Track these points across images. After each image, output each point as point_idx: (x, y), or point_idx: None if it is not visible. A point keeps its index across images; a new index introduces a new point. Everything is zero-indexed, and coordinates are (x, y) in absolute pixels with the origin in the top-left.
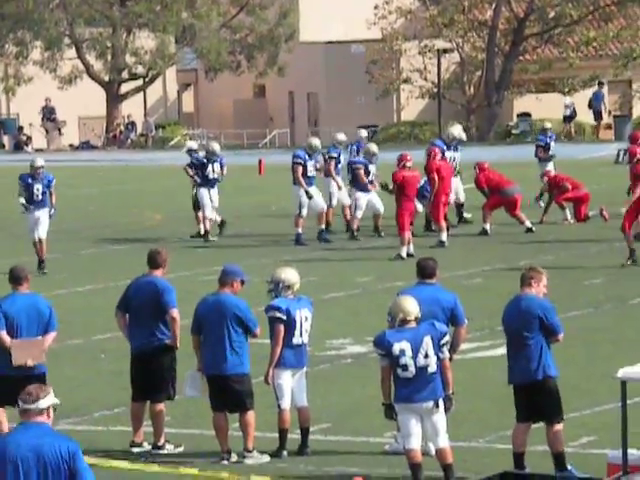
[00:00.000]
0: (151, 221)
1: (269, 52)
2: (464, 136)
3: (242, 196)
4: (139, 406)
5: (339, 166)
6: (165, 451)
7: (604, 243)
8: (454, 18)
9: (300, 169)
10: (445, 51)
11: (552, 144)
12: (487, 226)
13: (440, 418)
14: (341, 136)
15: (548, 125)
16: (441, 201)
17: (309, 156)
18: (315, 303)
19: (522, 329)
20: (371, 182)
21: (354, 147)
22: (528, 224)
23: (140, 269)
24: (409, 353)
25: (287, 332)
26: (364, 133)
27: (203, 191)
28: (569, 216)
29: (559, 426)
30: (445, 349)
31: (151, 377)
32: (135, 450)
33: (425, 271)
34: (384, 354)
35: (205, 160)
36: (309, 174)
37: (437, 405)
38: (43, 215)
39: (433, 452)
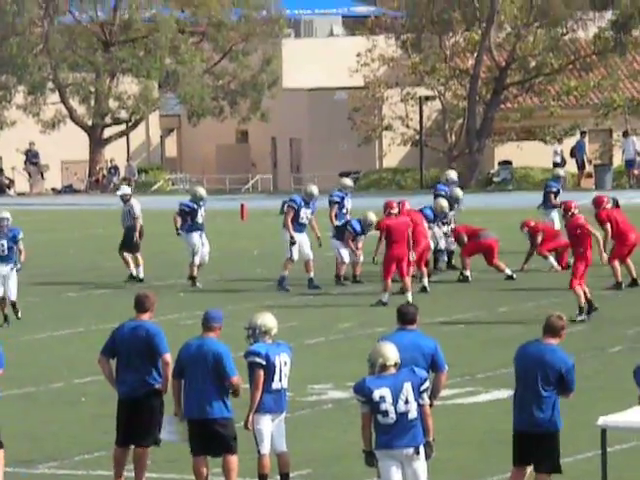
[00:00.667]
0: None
1: (252, 98)
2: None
3: (224, 241)
4: (123, 451)
5: (343, 210)
6: None
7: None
8: (436, 66)
9: (292, 213)
10: (427, 99)
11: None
12: (467, 272)
13: (420, 465)
14: (348, 181)
15: (561, 172)
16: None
17: (305, 203)
18: (296, 348)
19: (542, 381)
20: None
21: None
22: (508, 272)
23: (122, 313)
24: (389, 399)
25: (266, 377)
26: (349, 182)
27: (195, 236)
28: (555, 263)
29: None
30: (425, 395)
31: (140, 422)
32: None
33: (406, 317)
34: (364, 401)
35: (195, 206)
36: (300, 221)
37: (417, 452)
38: (9, 272)
39: None
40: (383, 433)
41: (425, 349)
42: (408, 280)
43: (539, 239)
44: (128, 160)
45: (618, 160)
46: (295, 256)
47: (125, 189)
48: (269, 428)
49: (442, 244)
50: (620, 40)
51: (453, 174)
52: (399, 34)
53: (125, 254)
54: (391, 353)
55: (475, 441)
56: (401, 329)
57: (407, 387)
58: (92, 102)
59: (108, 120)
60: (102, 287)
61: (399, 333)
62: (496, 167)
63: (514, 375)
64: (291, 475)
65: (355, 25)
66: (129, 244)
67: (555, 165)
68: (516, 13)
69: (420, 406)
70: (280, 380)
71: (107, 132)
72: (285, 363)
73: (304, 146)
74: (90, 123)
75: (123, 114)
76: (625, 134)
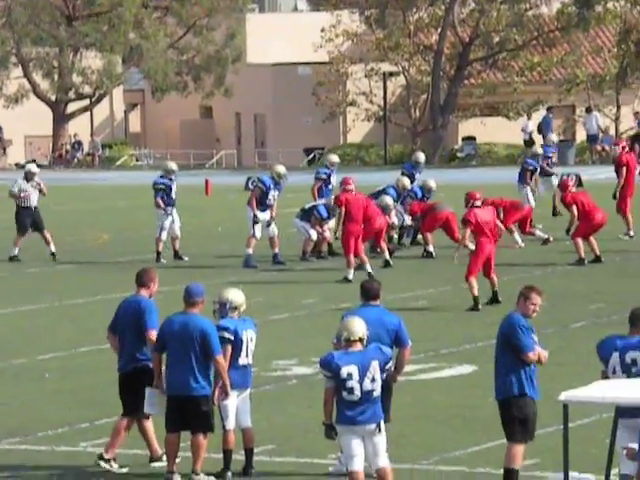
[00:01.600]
0: (98, 240)
1: (216, 73)
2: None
3: (188, 217)
4: (124, 420)
5: (330, 187)
6: (114, 469)
7: (549, 267)
8: (400, 42)
9: (258, 193)
10: (391, 74)
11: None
12: (430, 248)
13: (381, 439)
14: (334, 157)
15: (539, 150)
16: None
17: (275, 184)
18: (261, 324)
19: (497, 346)
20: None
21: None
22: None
23: (85, 288)
24: (356, 377)
25: (234, 352)
26: (335, 158)
27: (163, 212)
28: (519, 239)
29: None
30: (386, 374)
31: (129, 396)
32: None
33: (370, 293)
34: (330, 376)
35: (168, 181)
36: (267, 202)
37: (379, 428)
38: None
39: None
40: (347, 409)
41: (389, 325)
42: (364, 256)
43: (501, 215)
44: (92, 135)
45: (581, 136)
46: (258, 234)
47: (33, 167)
48: (234, 404)
49: (408, 220)
50: (583, 16)
51: (421, 157)
52: (363, 9)
53: (20, 236)
54: (357, 327)
55: (439, 416)
56: (365, 305)
57: (374, 365)
58: (55, 77)
59: (72, 95)
60: (64, 262)
61: (363, 309)
62: (460, 143)
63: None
64: (256, 450)
65: (319, 0)
66: (40, 223)
67: (525, 143)
68: None
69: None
70: (247, 356)
71: (71, 107)
72: (251, 339)
73: (268, 121)
74: (53, 98)
75: (87, 89)
76: (588, 110)
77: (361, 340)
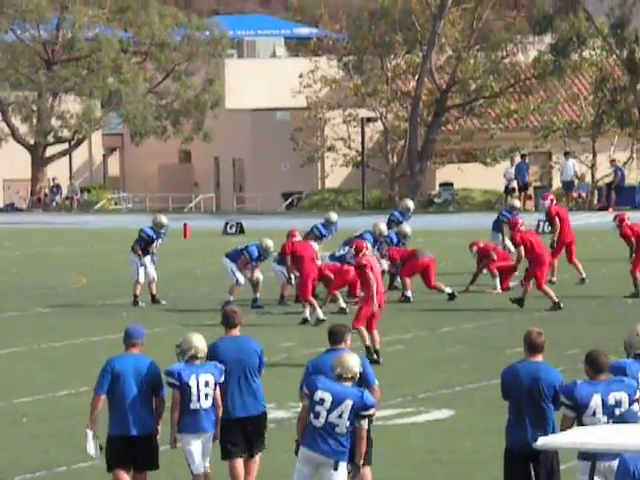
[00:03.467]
0: (77, 284)
1: (195, 118)
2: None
3: (167, 260)
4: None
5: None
6: None
7: (526, 313)
8: (377, 88)
9: (245, 262)
10: (369, 120)
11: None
12: (408, 293)
13: (337, 478)
14: (333, 216)
15: (517, 203)
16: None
17: (259, 257)
18: None
19: (541, 398)
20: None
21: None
22: (448, 290)
23: (65, 332)
24: (327, 405)
25: (183, 397)
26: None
27: (137, 259)
28: (498, 286)
29: None
30: (365, 421)
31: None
32: None
33: (335, 337)
34: (308, 395)
35: (154, 235)
36: (251, 266)
37: (336, 467)
38: None
39: None
40: (310, 432)
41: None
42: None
43: (493, 257)
44: (70, 179)
45: (557, 182)
46: (242, 281)
47: None
48: (197, 447)
49: (385, 266)
50: (559, 64)
51: (410, 203)
52: (341, 56)
53: None
54: (351, 365)
55: (417, 461)
56: (330, 350)
57: (347, 403)
58: (34, 121)
59: (50, 139)
60: (45, 306)
61: (327, 354)
62: (437, 188)
63: (504, 395)
64: None
65: (297, 46)
66: None
67: (505, 189)
68: (457, 36)
69: (354, 427)
70: (198, 400)
71: (49, 151)
72: (206, 383)
73: (247, 166)
74: (32, 142)
75: (65, 133)
76: (566, 155)
77: (352, 378)
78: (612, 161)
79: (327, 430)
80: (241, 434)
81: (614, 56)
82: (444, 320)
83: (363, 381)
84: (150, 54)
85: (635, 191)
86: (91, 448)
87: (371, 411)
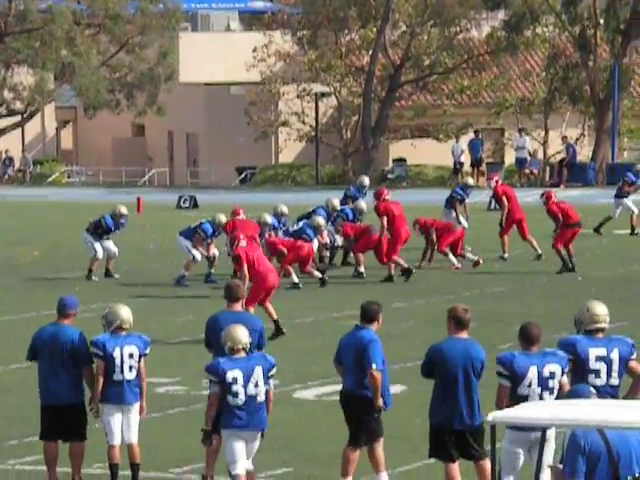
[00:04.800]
0: (29, 257)
1: (148, 91)
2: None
3: (120, 234)
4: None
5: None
6: None
7: (476, 289)
8: (332, 63)
9: (200, 240)
10: (323, 95)
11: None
12: (361, 268)
13: (257, 443)
14: (284, 208)
15: (471, 181)
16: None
17: (213, 233)
18: (191, 342)
19: (472, 374)
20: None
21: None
22: (404, 264)
23: (18, 305)
24: (241, 381)
25: (106, 368)
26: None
27: (97, 244)
28: (455, 261)
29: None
30: (271, 381)
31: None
32: None
33: (367, 315)
34: (216, 381)
35: (113, 227)
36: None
37: (262, 435)
38: None
39: None
40: (232, 414)
41: (358, 345)
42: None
43: (434, 236)
44: (23, 151)
45: (510, 158)
46: (198, 257)
47: None
48: (117, 419)
49: (339, 241)
50: (512, 40)
51: (366, 180)
52: (295, 30)
53: None
54: (240, 336)
55: None
56: (361, 327)
57: (258, 371)
58: None
59: (3, 111)
60: None
61: (357, 331)
62: (391, 164)
63: (429, 372)
64: (177, 471)
65: (252, 20)
66: None
67: (454, 167)
68: (411, 12)
69: (267, 391)
70: (122, 372)
71: (2, 123)
72: (131, 355)
73: (200, 140)
74: None
75: (18, 105)
76: (520, 131)
77: (244, 349)
78: (564, 138)
79: (250, 404)
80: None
81: (566, 33)
82: (397, 296)
83: (364, 360)
84: (104, 26)
85: (586, 168)
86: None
87: (275, 369)
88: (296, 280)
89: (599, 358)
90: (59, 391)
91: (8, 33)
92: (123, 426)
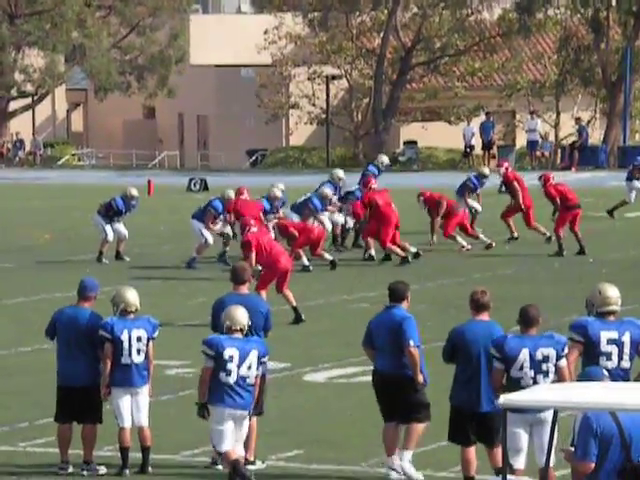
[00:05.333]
0: (40, 240)
1: (159, 74)
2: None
3: (131, 217)
4: None
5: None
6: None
7: (487, 271)
8: (342, 45)
9: (212, 217)
10: (334, 77)
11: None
12: (372, 251)
13: (246, 423)
14: (278, 191)
15: (487, 171)
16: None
17: (224, 209)
18: (201, 325)
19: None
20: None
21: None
22: (413, 249)
23: (29, 288)
24: (236, 361)
25: (114, 351)
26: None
27: (108, 226)
28: (464, 242)
29: None
30: (261, 367)
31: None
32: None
33: (395, 294)
34: (212, 355)
35: (124, 208)
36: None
37: (249, 414)
38: None
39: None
40: (222, 391)
41: (392, 324)
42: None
43: (442, 208)
44: (34, 134)
45: (521, 141)
46: (210, 240)
47: None
48: (126, 402)
49: (350, 223)
50: (524, 22)
51: (386, 159)
52: (306, 12)
53: None
54: (239, 317)
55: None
56: (390, 307)
57: (253, 354)
58: None
59: (13, 93)
60: (5, 261)
61: (387, 312)
62: (401, 147)
63: (451, 356)
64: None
65: (262, 2)
66: None
67: (465, 151)
68: None
69: (256, 376)
70: (130, 355)
71: (12, 105)
72: (139, 338)
73: (211, 123)
74: None
75: (29, 87)
76: (532, 114)
77: (241, 330)
78: (577, 119)
79: (240, 384)
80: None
81: (578, 15)
82: (407, 278)
83: (401, 338)
84: (114, 8)
85: (598, 151)
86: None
87: (267, 357)
88: (306, 263)
89: (611, 341)
90: (76, 372)
91: (19, 15)
92: (133, 409)
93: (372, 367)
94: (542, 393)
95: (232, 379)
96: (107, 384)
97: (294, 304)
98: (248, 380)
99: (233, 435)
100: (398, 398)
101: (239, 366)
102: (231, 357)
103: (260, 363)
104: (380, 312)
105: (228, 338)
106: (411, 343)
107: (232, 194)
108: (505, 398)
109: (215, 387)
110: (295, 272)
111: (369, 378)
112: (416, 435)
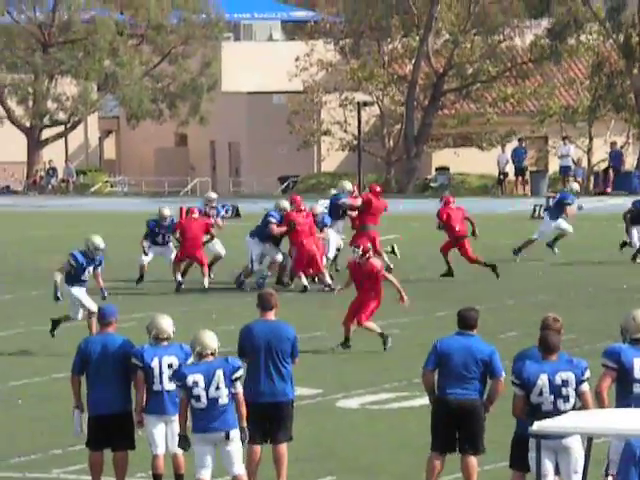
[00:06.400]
0: None
1: (191, 101)
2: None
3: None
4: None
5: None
6: None
7: (520, 299)
8: (374, 72)
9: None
10: (365, 104)
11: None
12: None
13: (233, 448)
14: (285, 203)
15: (576, 186)
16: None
17: (281, 220)
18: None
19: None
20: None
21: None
22: (329, 280)
23: (60, 314)
24: (202, 385)
25: (146, 379)
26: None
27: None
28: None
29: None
30: (238, 384)
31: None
32: None
33: (465, 322)
34: (180, 385)
35: (156, 227)
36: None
37: (228, 436)
38: None
39: None
40: (197, 417)
41: (478, 354)
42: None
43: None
44: (66, 162)
45: (554, 166)
46: (279, 258)
47: None
48: (159, 429)
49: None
50: (556, 48)
51: (348, 185)
52: (338, 39)
53: None
54: (209, 342)
55: (413, 444)
56: (459, 333)
57: (219, 374)
58: (30, 103)
59: (46, 121)
60: (40, 288)
61: (455, 337)
62: (433, 173)
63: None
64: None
65: (294, 30)
66: None
67: (499, 178)
68: (454, 20)
69: (233, 394)
70: (161, 382)
71: (45, 133)
72: (170, 365)
73: (243, 150)
74: (28, 124)
75: (61, 115)
76: (564, 139)
77: (212, 354)
78: (612, 144)
79: (212, 407)
80: (263, 420)
81: (610, 41)
82: (439, 305)
83: (490, 372)
84: (146, 37)
85: (631, 176)
86: (77, 425)
87: (240, 372)
88: (329, 281)
89: None
90: (108, 400)
91: (52, 44)
92: (167, 436)
93: (406, 394)
94: (578, 419)
95: (203, 404)
96: (140, 412)
97: (379, 331)
98: (220, 401)
99: (212, 460)
100: (464, 425)
101: (206, 389)
102: (195, 382)
103: (232, 380)
104: (451, 337)
105: (193, 365)
106: (503, 374)
107: (287, 205)
108: (539, 425)
109: (191, 415)
110: (328, 297)
111: (402, 404)
112: (474, 470)
